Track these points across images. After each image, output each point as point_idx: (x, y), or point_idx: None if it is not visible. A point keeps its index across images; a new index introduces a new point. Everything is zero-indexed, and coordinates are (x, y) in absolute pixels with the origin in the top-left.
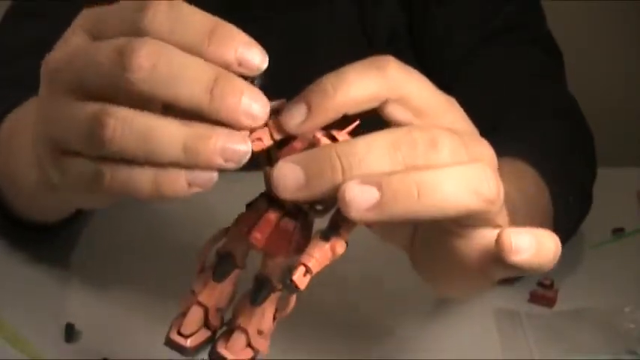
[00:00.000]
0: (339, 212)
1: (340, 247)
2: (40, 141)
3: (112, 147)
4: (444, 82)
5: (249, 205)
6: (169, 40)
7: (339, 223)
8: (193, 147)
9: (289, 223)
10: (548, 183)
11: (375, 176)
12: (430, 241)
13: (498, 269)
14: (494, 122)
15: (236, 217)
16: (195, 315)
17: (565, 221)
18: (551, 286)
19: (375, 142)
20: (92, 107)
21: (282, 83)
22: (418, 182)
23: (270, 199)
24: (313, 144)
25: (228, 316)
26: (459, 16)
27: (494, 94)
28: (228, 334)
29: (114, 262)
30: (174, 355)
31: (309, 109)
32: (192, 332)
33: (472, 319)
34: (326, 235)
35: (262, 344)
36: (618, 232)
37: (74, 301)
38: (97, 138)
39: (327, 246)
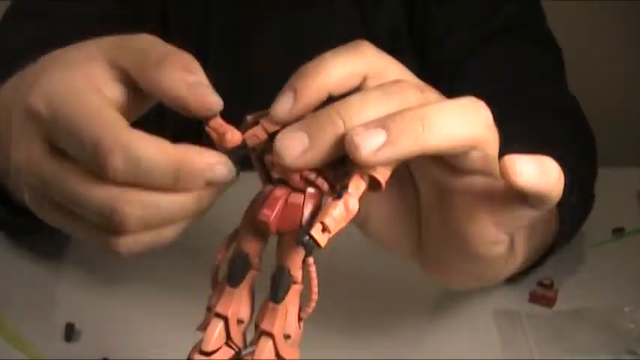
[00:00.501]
0: (346, 173)
1: (353, 203)
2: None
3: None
4: (443, 82)
5: (252, 204)
6: (137, 185)
7: (349, 182)
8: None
9: (298, 197)
10: None
11: (378, 119)
12: (437, 229)
13: (508, 212)
14: (495, 122)
15: (242, 216)
16: (214, 327)
17: (568, 222)
18: (551, 286)
19: (368, 94)
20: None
21: (283, 83)
22: (421, 116)
23: (274, 181)
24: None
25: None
26: (459, 16)
27: (494, 93)
28: (253, 347)
29: (114, 261)
30: (175, 355)
31: (295, 93)
32: (215, 349)
33: (472, 319)
34: (338, 195)
35: (292, 352)
36: (618, 232)
37: (74, 301)
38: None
39: (340, 203)
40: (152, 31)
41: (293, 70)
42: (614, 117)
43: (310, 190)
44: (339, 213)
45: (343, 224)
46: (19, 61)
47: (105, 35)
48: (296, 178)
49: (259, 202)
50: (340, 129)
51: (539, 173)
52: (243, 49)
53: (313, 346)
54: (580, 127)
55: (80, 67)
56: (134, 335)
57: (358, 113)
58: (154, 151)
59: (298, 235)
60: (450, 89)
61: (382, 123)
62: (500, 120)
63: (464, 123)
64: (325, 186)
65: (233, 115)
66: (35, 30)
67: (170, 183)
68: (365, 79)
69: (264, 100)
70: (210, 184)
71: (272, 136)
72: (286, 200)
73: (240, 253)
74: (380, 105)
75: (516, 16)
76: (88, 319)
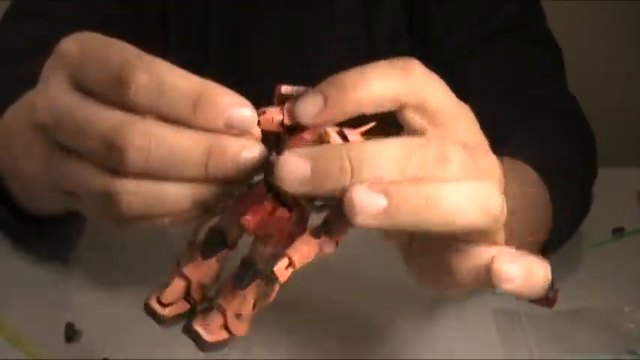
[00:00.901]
0: (334, 212)
1: (329, 247)
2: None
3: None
4: (444, 80)
5: (250, 186)
6: (156, 114)
7: (333, 223)
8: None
9: (284, 213)
10: (547, 183)
11: (383, 183)
12: (427, 249)
13: (488, 288)
14: (495, 122)
15: (236, 195)
16: (176, 286)
17: (564, 222)
18: (552, 286)
19: (387, 148)
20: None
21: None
22: (427, 194)
23: (270, 186)
24: (323, 138)
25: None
26: (459, 16)
27: (494, 93)
28: (206, 312)
29: (114, 261)
30: (175, 355)
31: (325, 101)
32: (171, 302)
33: (472, 319)
34: (317, 232)
35: (240, 328)
36: (618, 232)
37: (74, 301)
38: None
39: (315, 243)
40: (153, 32)
41: (293, 70)
42: (614, 117)
43: (296, 211)
44: (310, 252)
45: (311, 260)
46: (19, 61)
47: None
48: (290, 199)
49: (249, 201)
50: (346, 178)
51: (524, 281)
52: (243, 49)
53: (313, 346)
54: (580, 127)
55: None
56: (134, 335)
57: (368, 169)
58: (179, 74)
59: (267, 263)
60: (450, 89)
61: (386, 189)
62: (500, 120)
63: (470, 212)
64: (312, 212)
65: None
66: (35, 30)
67: (189, 112)
68: (404, 106)
69: (264, 100)
70: (229, 126)
71: (285, 129)
72: (272, 212)
73: (220, 230)
74: (393, 167)
75: (516, 16)
76: (88, 319)
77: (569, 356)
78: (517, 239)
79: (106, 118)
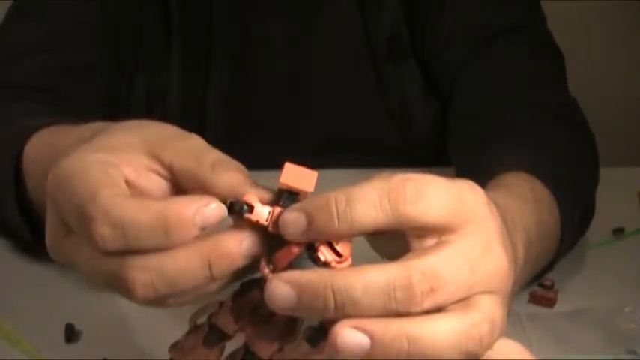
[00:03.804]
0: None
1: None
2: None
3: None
4: (444, 85)
5: (244, 285)
6: (131, 249)
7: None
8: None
9: (282, 318)
10: (557, 198)
11: (367, 323)
12: None
13: None
14: (495, 124)
15: (232, 293)
16: None
17: (572, 234)
18: (551, 286)
19: (372, 284)
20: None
21: (283, 83)
22: (409, 336)
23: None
24: (312, 249)
25: None
26: (460, 18)
27: (494, 95)
28: None
29: None
30: None
31: (310, 224)
32: None
33: None
34: (315, 341)
35: None
36: (618, 232)
37: (74, 301)
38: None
39: (314, 354)
40: (154, 32)
41: (293, 70)
42: (614, 117)
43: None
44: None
45: None
46: (19, 61)
47: (106, 40)
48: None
49: (246, 306)
50: (330, 312)
51: None
52: (245, 50)
53: None
54: (580, 129)
55: (112, 151)
56: (134, 335)
57: (353, 307)
58: (136, 210)
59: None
60: (451, 91)
61: (371, 331)
62: (500, 127)
63: (452, 350)
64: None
65: (235, 113)
66: (35, 30)
67: (163, 239)
68: (396, 229)
69: (265, 100)
70: (204, 228)
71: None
72: (269, 320)
73: (219, 328)
74: (378, 304)
75: (517, 17)
76: (88, 319)
77: (569, 356)
78: (532, 269)
79: (103, 263)
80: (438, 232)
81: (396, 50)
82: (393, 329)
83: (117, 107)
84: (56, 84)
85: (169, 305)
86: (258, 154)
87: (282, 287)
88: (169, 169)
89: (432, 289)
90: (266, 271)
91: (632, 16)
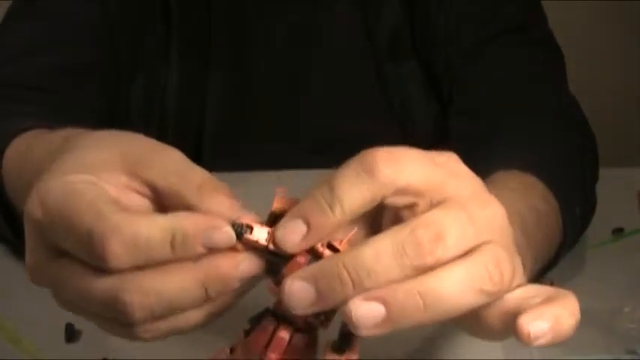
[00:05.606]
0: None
1: (355, 356)
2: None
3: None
4: (445, 83)
5: (253, 320)
6: (138, 264)
7: (351, 334)
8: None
9: (301, 340)
10: (556, 195)
11: (376, 291)
12: None
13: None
14: (495, 124)
15: (242, 333)
16: None
17: (573, 232)
18: (551, 286)
19: (381, 250)
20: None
21: (283, 83)
22: (423, 293)
23: (276, 314)
24: (316, 254)
25: None
26: (460, 17)
27: (494, 95)
28: None
29: None
30: (175, 355)
31: (309, 227)
32: None
33: None
34: (340, 348)
35: None
36: (618, 232)
37: None
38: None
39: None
40: (153, 32)
41: (293, 70)
42: (614, 117)
43: (308, 333)
44: None
45: None
46: (19, 61)
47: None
48: (300, 320)
49: (262, 337)
50: (349, 293)
51: (553, 334)
52: (244, 49)
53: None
54: (580, 129)
55: (92, 170)
56: None
57: (369, 277)
58: (147, 225)
59: None
60: (451, 91)
61: (383, 297)
62: (500, 126)
63: (468, 294)
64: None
65: (235, 113)
66: (35, 30)
67: (169, 254)
68: (384, 199)
69: (265, 100)
70: (210, 249)
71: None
72: (290, 342)
73: None
74: (392, 266)
75: (517, 17)
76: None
77: (569, 356)
78: (535, 256)
79: (98, 286)
80: (423, 196)
81: (397, 50)
82: (402, 289)
83: (116, 107)
84: (56, 84)
85: (168, 335)
86: (258, 154)
87: (297, 283)
88: (151, 187)
89: (437, 236)
90: (277, 291)
91: (632, 16)
